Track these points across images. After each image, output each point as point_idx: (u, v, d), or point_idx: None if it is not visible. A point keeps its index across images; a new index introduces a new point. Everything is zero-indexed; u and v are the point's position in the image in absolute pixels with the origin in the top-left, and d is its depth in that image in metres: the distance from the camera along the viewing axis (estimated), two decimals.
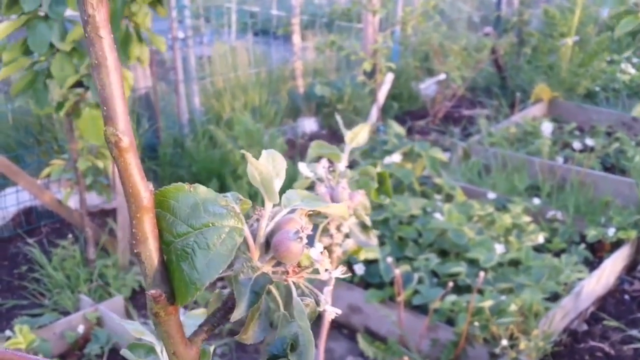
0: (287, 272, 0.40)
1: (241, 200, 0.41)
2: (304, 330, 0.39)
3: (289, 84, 4.26)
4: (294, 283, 0.41)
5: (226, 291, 0.43)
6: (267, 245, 0.42)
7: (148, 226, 0.37)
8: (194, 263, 0.37)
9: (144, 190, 0.37)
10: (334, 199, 0.76)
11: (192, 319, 0.47)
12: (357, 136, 0.79)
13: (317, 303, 0.41)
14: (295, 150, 3.66)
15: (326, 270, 0.39)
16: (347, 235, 0.77)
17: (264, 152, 0.42)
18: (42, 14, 2.10)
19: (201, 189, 0.39)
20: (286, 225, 0.41)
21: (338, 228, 0.77)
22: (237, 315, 0.38)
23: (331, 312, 0.41)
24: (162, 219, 0.38)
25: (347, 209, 0.46)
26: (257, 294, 0.38)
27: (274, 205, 0.43)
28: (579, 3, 4.19)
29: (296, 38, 4.19)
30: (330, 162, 0.87)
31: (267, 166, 0.39)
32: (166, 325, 0.39)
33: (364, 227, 0.75)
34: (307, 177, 0.79)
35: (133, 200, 0.36)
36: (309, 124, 4.18)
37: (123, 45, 2.06)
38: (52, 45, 2.14)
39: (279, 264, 0.41)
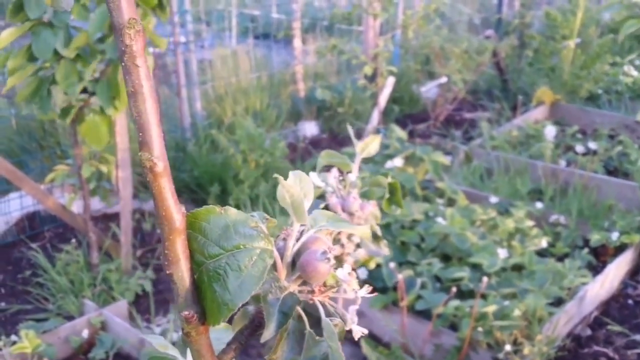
0: (313, 292, 0.41)
1: (267, 219, 0.42)
2: (334, 351, 0.39)
3: (290, 87, 4.27)
4: (319, 302, 0.41)
5: (251, 308, 0.43)
6: (293, 263, 0.42)
7: (180, 248, 0.38)
8: (227, 284, 0.37)
9: (177, 212, 0.37)
10: (345, 209, 0.77)
11: (215, 333, 0.48)
12: (369, 146, 0.80)
13: (344, 322, 0.42)
14: (296, 154, 3.66)
15: (353, 289, 0.40)
16: (358, 245, 0.78)
17: (291, 173, 0.42)
18: (46, 20, 2.11)
19: (231, 211, 0.40)
20: (312, 245, 0.41)
21: (349, 238, 0.77)
22: (267, 335, 0.38)
23: (358, 332, 0.41)
24: (194, 240, 0.39)
25: (370, 230, 0.47)
26: (285, 315, 0.39)
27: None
28: (580, 5, 4.20)
29: (297, 42, 4.20)
30: (340, 171, 0.87)
31: (297, 188, 0.40)
32: (197, 344, 0.39)
33: (375, 236, 0.76)
34: (318, 186, 0.79)
35: (166, 222, 0.37)
36: (309, 128, 4.19)
37: None
38: (56, 52, 2.14)
39: (304, 282, 0.42)
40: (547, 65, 4.40)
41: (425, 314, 2.11)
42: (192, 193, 3.15)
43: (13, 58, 2.15)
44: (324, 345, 0.40)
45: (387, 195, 0.73)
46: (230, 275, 0.37)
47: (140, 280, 2.50)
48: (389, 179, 0.74)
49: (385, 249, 0.75)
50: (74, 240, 2.61)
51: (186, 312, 0.38)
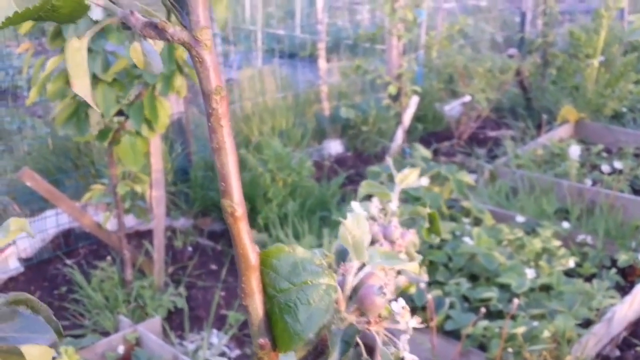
0: (369, 322, 0.46)
1: (327, 255, 0.46)
2: None
3: (315, 107, 4.34)
4: (375, 332, 0.46)
5: (312, 337, 0.48)
6: (350, 296, 0.47)
7: (255, 282, 0.43)
8: (297, 316, 0.42)
9: (252, 251, 0.42)
10: (386, 237, 0.82)
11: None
12: (408, 178, 0.84)
13: (398, 350, 0.46)
14: (322, 173, 3.72)
15: (405, 321, 0.44)
16: (399, 272, 0.82)
17: (349, 215, 0.47)
18: None
19: (299, 250, 0.44)
20: (368, 279, 0.46)
21: None
22: None
23: (410, 359, 0.45)
24: (265, 275, 0.44)
25: (418, 266, 0.52)
26: (347, 344, 0.44)
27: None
28: (604, 24, 4.21)
29: (322, 62, 4.28)
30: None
31: (358, 230, 0.45)
32: None
33: None
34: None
35: (243, 260, 0.42)
36: (334, 146, 4.24)
37: (168, 78, 2.15)
38: (94, 76, 2.24)
39: (361, 314, 0.46)
40: (571, 83, 4.40)
41: (455, 334, 2.13)
42: (220, 212, 3.20)
43: (53, 82, 2.26)
44: None
45: (426, 225, 0.77)
46: (300, 308, 0.42)
47: (172, 297, 2.56)
48: (428, 209, 0.78)
49: (424, 276, 0.79)
50: (109, 257, 2.68)
51: (261, 340, 0.43)
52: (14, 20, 0.31)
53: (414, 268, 0.47)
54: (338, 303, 0.46)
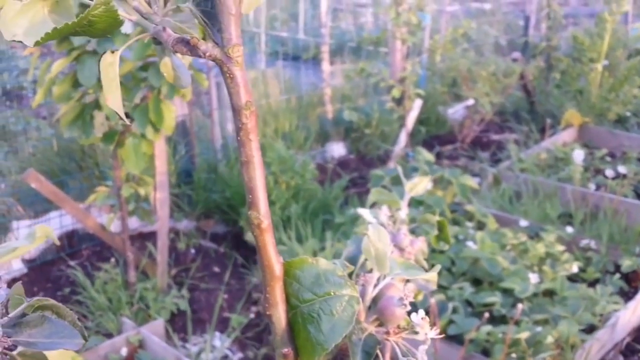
0: (388, 333, 0.46)
1: (347, 266, 0.47)
2: None
3: (318, 109, 4.35)
4: (394, 342, 0.46)
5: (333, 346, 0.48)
6: (369, 306, 0.47)
7: (279, 293, 0.43)
8: (320, 327, 0.43)
9: (277, 262, 0.43)
10: (396, 245, 0.82)
11: None
12: (417, 186, 0.85)
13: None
14: (325, 175, 3.72)
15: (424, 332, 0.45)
16: (407, 280, 0.82)
17: (370, 227, 0.48)
18: (90, 49, 2.22)
19: (322, 261, 0.45)
20: (388, 290, 0.46)
21: None
22: None
23: None
24: (289, 286, 0.44)
25: (437, 276, 0.52)
26: (368, 354, 0.44)
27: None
28: (607, 28, 4.21)
29: (325, 65, 4.29)
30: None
31: (381, 243, 0.45)
32: None
33: None
34: (370, 222, 0.85)
35: (268, 270, 0.43)
36: (337, 149, 4.25)
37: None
38: (99, 79, 2.24)
39: (380, 324, 0.47)
40: (575, 87, 4.40)
41: (458, 339, 2.13)
42: (223, 214, 3.22)
43: (58, 84, 2.26)
44: None
45: (435, 232, 0.78)
46: (323, 318, 0.43)
47: (175, 299, 2.56)
48: (437, 217, 0.79)
49: (433, 284, 0.80)
50: (112, 259, 2.69)
51: (285, 350, 0.43)
52: (53, 36, 0.32)
53: (433, 278, 0.48)
54: (358, 313, 0.46)
